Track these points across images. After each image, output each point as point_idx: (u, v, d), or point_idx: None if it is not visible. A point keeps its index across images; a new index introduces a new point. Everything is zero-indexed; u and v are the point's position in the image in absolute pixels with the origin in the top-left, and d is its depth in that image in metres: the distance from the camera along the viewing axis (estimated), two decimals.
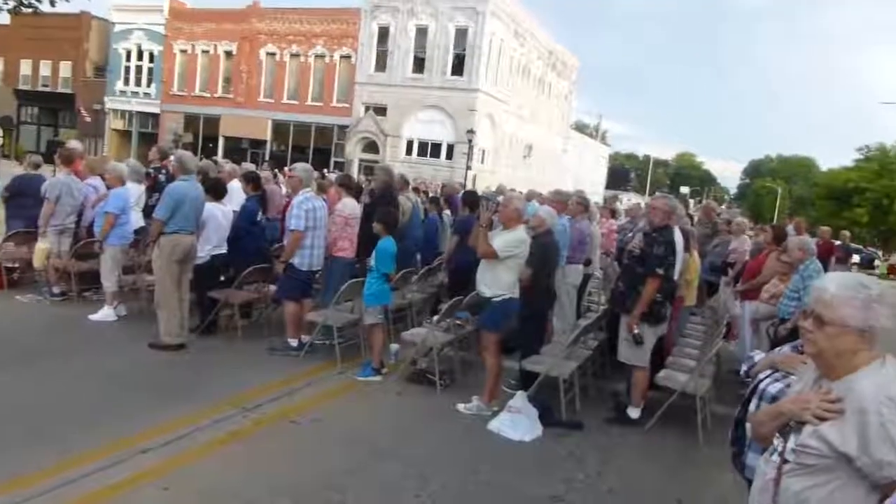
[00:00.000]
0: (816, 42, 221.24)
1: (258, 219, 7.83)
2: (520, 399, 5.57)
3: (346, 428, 5.31)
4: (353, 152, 37.87)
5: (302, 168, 7.31)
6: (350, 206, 7.59)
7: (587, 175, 59.81)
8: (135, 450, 4.43)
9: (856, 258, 28.38)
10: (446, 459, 4.91)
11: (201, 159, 10.57)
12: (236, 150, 39.18)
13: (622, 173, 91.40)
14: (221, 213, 7.34)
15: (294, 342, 6.96)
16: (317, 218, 6.94)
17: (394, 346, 7.06)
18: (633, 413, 5.96)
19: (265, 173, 10.19)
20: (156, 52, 42.98)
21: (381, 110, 37.52)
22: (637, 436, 5.74)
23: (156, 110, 43.29)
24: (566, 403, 5.95)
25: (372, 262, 6.48)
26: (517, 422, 5.42)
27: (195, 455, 4.52)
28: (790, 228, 11.18)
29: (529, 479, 4.72)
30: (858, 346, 1.98)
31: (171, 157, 8.26)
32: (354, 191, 8.07)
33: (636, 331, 5.72)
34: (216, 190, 7.39)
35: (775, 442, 2.09)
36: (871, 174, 34.87)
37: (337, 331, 6.75)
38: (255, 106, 40.53)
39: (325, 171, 23.26)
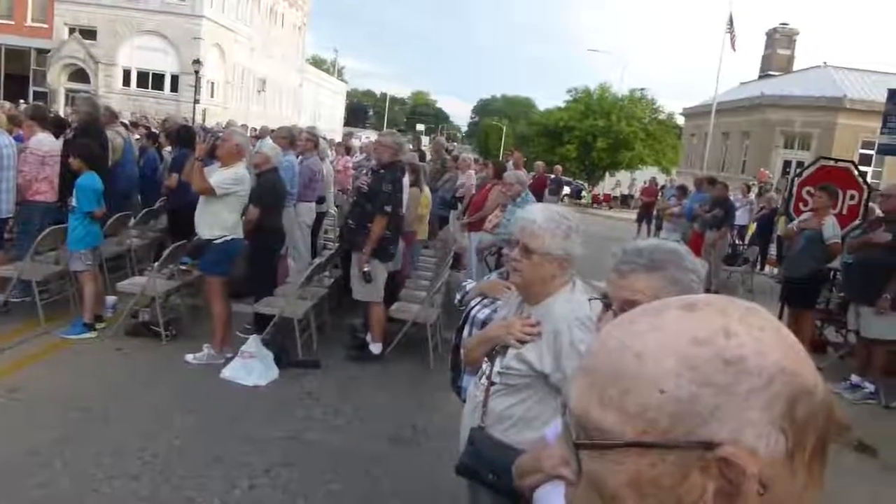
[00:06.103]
0: None
1: None
2: (253, 343, 5.38)
3: (54, 394, 4.70)
4: (58, 81, 33.15)
5: None
6: (47, 143, 6.60)
7: (325, 111, 59.21)
8: None
9: (567, 190, 31.84)
10: (175, 414, 4.59)
11: None
12: None
13: (360, 110, 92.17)
14: None
15: None
16: (3, 157, 5.95)
17: (110, 299, 6.38)
18: (375, 349, 6.05)
19: None
20: None
21: (89, 33, 33.17)
22: (374, 367, 5.89)
23: None
24: (303, 343, 5.90)
25: (73, 202, 5.72)
26: (251, 367, 5.25)
27: None
28: (510, 164, 12.07)
29: (266, 423, 4.61)
30: (556, 272, 2.15)
31: None
32: (51, 124, 7.00)
33: (366, 269, 5.78)
34: None
35: (483, 366, 2.21)
36: (578, 114, 38.85)
37: (37, 285, 5.92)
38: None
39: (22, 101, 20.21)
